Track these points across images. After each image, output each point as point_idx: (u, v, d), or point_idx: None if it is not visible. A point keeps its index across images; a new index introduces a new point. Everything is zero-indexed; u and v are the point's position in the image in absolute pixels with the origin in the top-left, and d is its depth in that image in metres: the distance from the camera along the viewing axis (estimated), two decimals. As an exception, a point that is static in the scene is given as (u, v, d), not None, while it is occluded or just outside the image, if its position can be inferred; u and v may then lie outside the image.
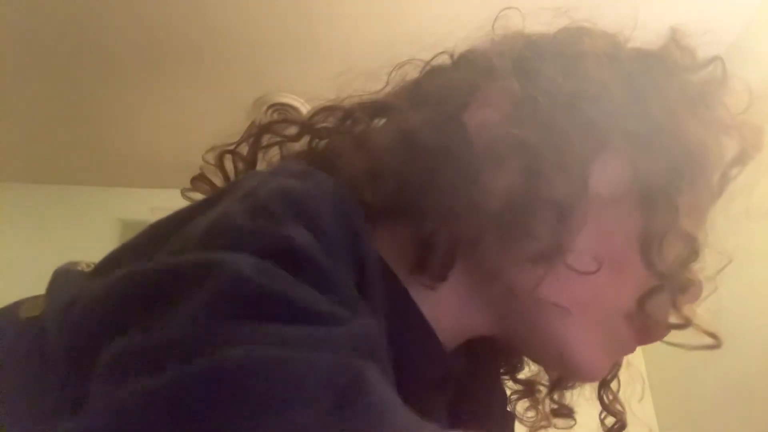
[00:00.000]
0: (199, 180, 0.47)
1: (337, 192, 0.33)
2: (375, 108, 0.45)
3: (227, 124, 1.91)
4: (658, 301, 0.38)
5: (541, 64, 0.40)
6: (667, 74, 0.41)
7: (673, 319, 0.38)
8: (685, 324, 0.38)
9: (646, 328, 0.40)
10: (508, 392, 0.52)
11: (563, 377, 0.49)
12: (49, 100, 1.84)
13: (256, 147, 0.46)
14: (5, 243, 2.07)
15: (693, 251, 0.38)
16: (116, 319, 0.24)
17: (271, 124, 0.46)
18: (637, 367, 0.50)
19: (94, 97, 1.83)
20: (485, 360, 0.47)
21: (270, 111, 1.89)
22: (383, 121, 0.44)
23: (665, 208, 0.37)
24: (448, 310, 0.39)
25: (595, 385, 0.48)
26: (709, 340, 0.39)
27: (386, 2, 1.53)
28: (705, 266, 0.40)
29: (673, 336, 0.40)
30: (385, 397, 0.21)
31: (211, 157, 0.46)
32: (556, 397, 0.50)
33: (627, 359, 0.48)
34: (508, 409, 0.51)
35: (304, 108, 1.87)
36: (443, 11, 1.52)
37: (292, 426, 0.18)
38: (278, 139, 0.46)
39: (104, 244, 2.45)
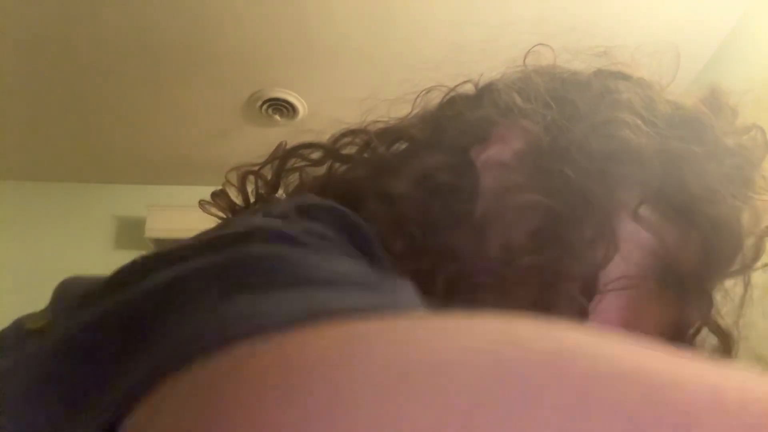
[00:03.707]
0: (218, 196, 0.48)
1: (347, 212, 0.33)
2: (395, 136, 0.44)
3: (222, 120, 1.89)
4: None
5: (571, 123, 0.37)
6: (703, 143, 0.38)
7: None
8: None
9: None
10: None
11: None
12: (45, 98, 1.81)
13: (281, 170, 0.46)
14: (1, 239, 2.05)
15: (728, 347, 0.36)
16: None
17: (298, 147, 0.46)
18: None
19: (90, 95, 1.81)
20: None
21: (265, 106, 1.88)
22: (403, 145, 0.44)
23: (700, 296, 0.35)
24: None
25: None
26: None
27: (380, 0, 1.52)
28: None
29: None
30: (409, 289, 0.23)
31: (233, 177, 0.46)
32: None
33: None
34: None
35: (299, 103, 1.87)
36: (438, 10, 1.52)
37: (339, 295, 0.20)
38: (303, 163, 0.46)
39: (100, 240, 2.44)
